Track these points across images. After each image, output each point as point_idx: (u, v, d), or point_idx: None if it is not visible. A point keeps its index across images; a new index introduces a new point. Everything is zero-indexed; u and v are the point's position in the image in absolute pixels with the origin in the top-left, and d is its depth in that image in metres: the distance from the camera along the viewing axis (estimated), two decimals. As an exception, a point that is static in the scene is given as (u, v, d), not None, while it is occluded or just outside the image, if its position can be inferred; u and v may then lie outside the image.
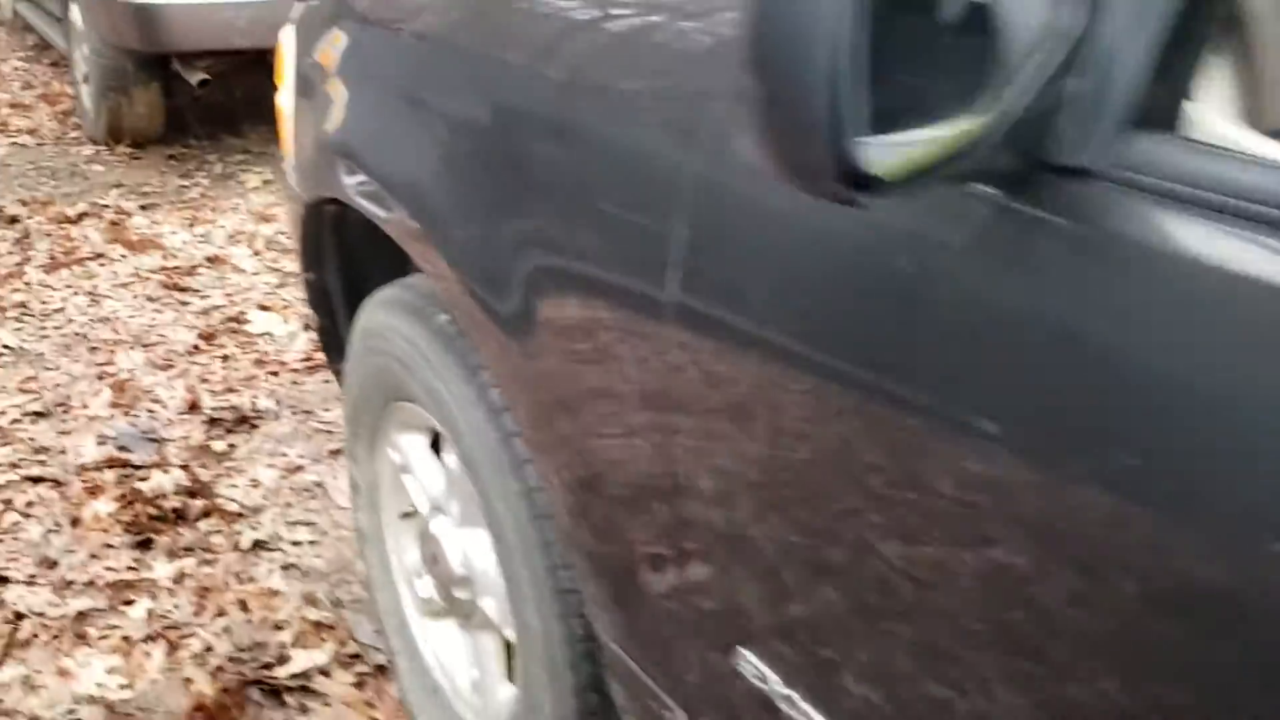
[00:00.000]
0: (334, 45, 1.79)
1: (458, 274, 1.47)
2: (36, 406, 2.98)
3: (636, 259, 1.13)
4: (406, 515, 1.93)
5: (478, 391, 1.53)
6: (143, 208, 4.41)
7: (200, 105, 5.29)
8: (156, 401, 3.00)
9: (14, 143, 5.18)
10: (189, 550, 2.41)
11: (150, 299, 3.63)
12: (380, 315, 1.77)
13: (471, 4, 1.49)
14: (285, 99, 1.98)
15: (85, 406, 2.96)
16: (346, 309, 2.08)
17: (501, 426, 1.49)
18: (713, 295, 1.04)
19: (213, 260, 3.90)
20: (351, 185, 1.71)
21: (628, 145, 1.17)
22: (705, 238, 1.04)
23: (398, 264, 2.01)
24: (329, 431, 2.90)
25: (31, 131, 5.33)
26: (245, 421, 2.93)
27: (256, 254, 3.99)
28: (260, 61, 4.80)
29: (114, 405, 2.96)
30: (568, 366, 1.28)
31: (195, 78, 4.59)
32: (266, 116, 5.58)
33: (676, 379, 1.09)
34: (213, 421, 2.91)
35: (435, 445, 1.80)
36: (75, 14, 5.00)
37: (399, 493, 1.90)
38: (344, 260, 2.03)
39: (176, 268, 3.83)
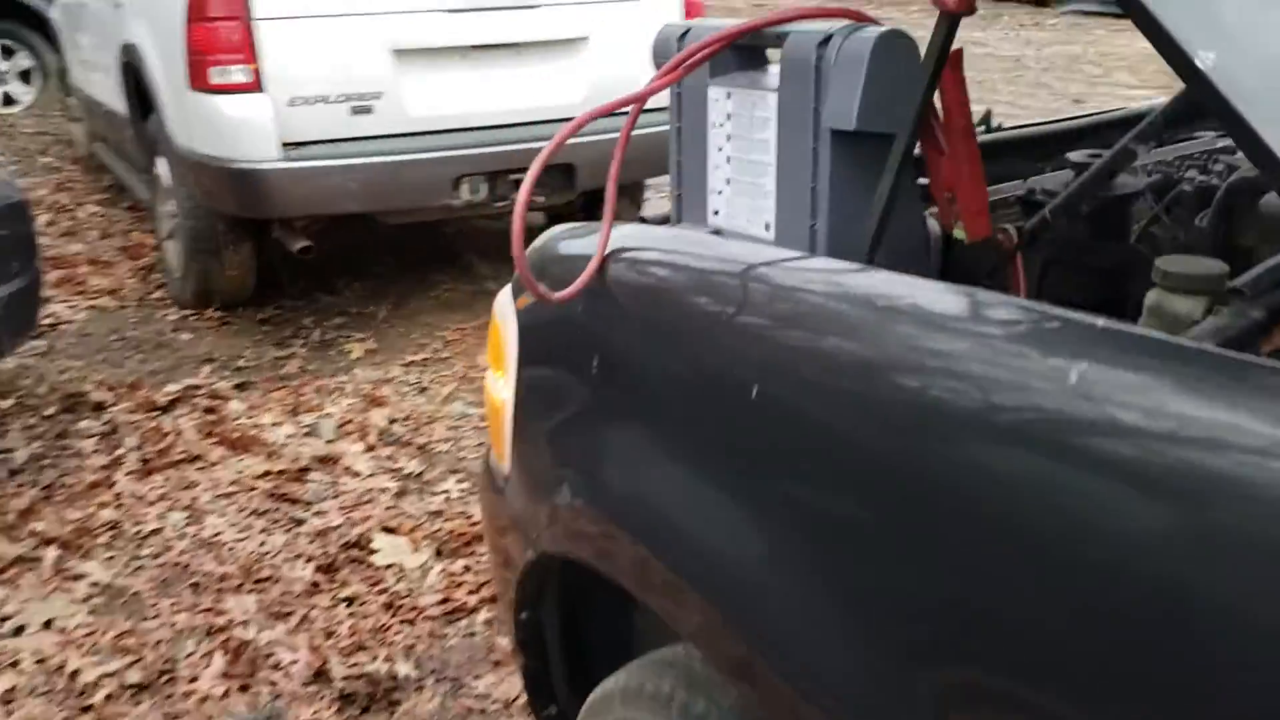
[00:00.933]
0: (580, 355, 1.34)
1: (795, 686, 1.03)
2: (136, 675, 2.51)
3: None
4: None
5: None
6: (238, 387, 3.99)
7: (292, 261, 4.90)
8: (278, 668, 2.52)
9: (94, 305, 4.81)
10: None
11: (257, 514, 3.18)
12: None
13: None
14: (502, 389, 1.52)
15: (194, 679, 2.49)
16: (564, 655, 1.61)
17: None
18: None
19: (322, 461, 3.46)
20: (613, 559, 1.25)
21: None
22: None
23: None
24: (482, 711, 2.41)
25: (112, 292, 4.96)
26: (383, 697, 2.45)
27: (370, 449, 3.55)
28: (357, 215, 4.43)
29: (228, 676, 2.49)
30: None
31: (297, 244, 4.21)
32: (362, 272, 5.23)
33: None
34: (344, 698, 2.44)
35: None
36: (162, 169, 4.65)
37: None
38: (566, 597, 1.56)
39: (283, 472, 3.38)
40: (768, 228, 1.35)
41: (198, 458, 3.48)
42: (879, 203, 1.18)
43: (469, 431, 3.69)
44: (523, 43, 4.27)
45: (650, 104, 4.49)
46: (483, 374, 4.16)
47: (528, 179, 1.22)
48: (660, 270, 1.29)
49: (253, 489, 3.31)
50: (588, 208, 5.04)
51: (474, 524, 3.09)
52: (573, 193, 4.48)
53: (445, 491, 3.30)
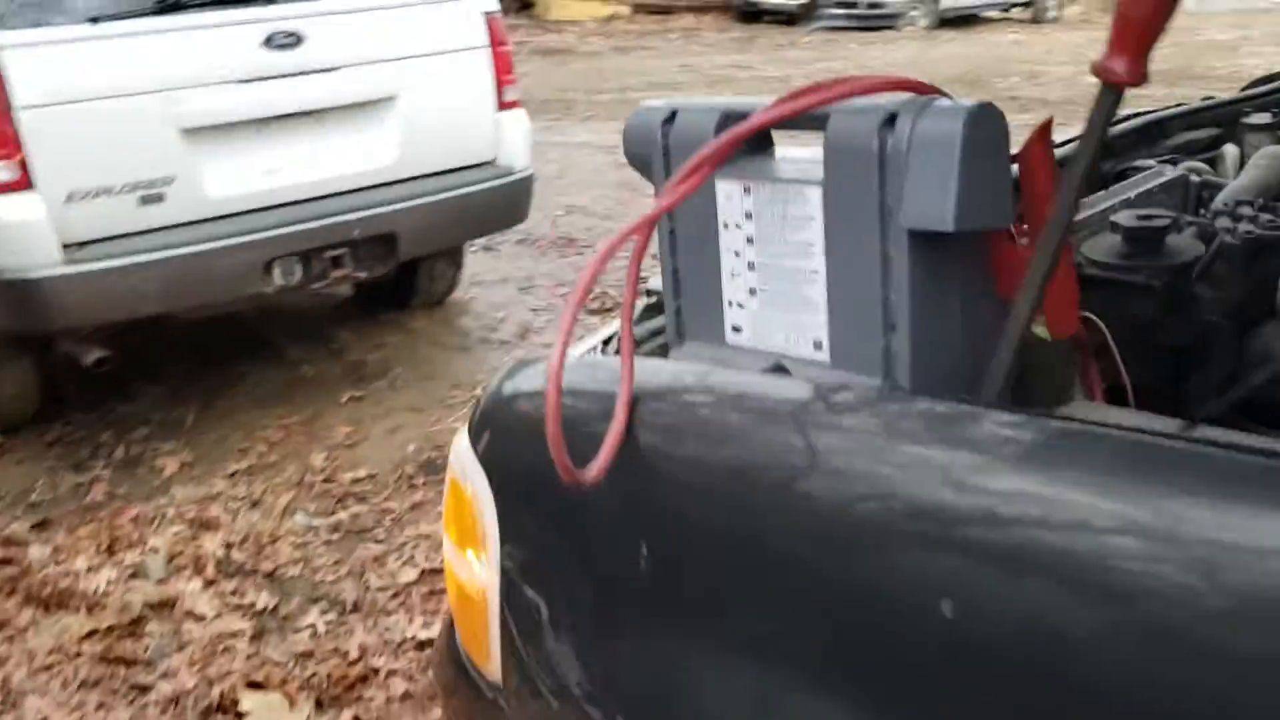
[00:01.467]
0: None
1: None
2: None
3: None
4: None
5: None
6: (37, 528, 3.46)
7: (77, 368, 4.35)
8: None
9: None
10: None
11: (89, 685, 2.70)
12: None
13: None
14: (479, 572, 1.20)
15: None
16: None
17: None
18: None
19: (157, 607, 3.00)
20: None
21: None
22: None
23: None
24: None
25: None
26: None
27: (210, 585, 3.10)
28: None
29: None
30: None
31: (91, 357, 3.70)
32: (158, 371, 4.70)
33: None
34: None
35: None
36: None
37: None
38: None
39: (112, 628, 2.91)
40: (818, 346, 1.09)
41: (2, 625, 2.96)
42: (1014, 325, 0.93)
43: (319, 548, 3.29)
44: (326, 109, 3.89)
45: (466, 159, 4.04)
46: (319, 476, 3.77)
47: (569, 313, 0.93)
48: (732, 426, 1.01)
49: (78, 655, 2.82)
50: (401, 278, 4.68)
51: (352, 663, 2.72)
52: (394, 263, 4.12)
53: (310, 626, 2.90)
